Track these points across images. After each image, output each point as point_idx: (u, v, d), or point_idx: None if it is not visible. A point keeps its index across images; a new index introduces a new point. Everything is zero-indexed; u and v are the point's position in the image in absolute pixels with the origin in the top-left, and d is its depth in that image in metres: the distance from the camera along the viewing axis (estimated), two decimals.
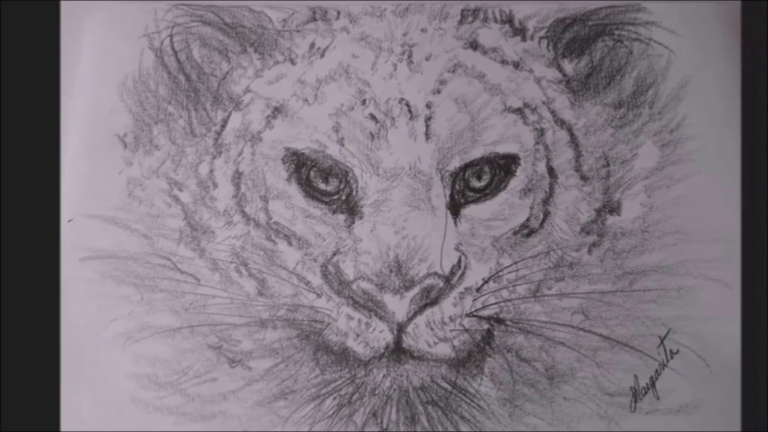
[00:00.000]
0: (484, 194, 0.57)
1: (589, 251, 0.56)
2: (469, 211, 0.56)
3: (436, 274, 0.54)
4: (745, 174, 0.57)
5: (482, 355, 0.54)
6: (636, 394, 0.53)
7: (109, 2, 0.61)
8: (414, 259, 0.54)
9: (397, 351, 0.54)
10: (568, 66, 0.59)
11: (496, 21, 0.60)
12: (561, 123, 0.58)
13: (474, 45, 0.59)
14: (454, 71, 0.58)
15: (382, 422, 0.53)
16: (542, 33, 0.60)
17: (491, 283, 0.55)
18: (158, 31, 0.60)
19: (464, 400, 0.54)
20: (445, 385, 0.54)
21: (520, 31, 0.60)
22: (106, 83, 0.60)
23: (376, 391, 0.54)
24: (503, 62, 0.59)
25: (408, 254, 0.54)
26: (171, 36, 0.60)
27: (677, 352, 0.54)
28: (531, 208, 0.57)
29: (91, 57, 0.61)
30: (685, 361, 0.54)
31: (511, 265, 0.55)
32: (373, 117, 0.57)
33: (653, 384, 0.53)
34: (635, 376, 0.54)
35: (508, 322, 0.54)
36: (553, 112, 0.58)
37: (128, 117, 0.59)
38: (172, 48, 0.60)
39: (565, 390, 0.54)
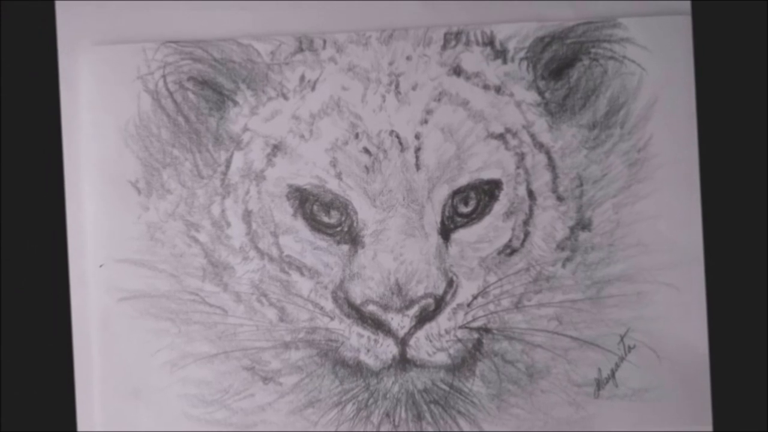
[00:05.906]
0: (471, 219, 0.63)
1: (563, 265, 0.63)
2: (458, 235, 0.63)
3: (432, 294, 0.62)
4: (705, 189, 0.63)
5: (473, 360, 0.63)
6: (599, 384, 0.64)
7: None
8: (412, 282, 0.62)
9: (403, 361, 0.63)
10: (546, 87, 0.63)
11: (478, 44, 0.62)
12: (540, 146, 0.63)
13: (457, 71, 0.62)
14: (439, 100, 0.62)
15: (394, 420, 0.64)
16: (522, 54, 0.62)
17: (479, 298, 0.63)
18: (150, 72, 0.62)
19: (460, 398, 0.64)
20: (444, 387, 0.63)
21: (501, 53, 0.62)
22: (108, 129, 0.62)
23: (387, 395, 0.63)
24: (485, 87, 0.62)
25: (406, 277, 0.62)
26: (164, 76, 0.62)
27: (634, 347, 0.63)
28: (513, 229, 0.63)
29: (88, 103, 0.63)
30: (639, 354, 0.63)
31: (496, 282, 0.63)
32: (366, 150, 0.62)
33: (613, 375, 0.63)
34: (599, 369, 0.64)
35: (495, 331, 0.63)
36: (532, 136, 0.63)
37: (137, 162, 0.63)
38: (167, 89, 0.62)
39: (542, 384, 0.64)
